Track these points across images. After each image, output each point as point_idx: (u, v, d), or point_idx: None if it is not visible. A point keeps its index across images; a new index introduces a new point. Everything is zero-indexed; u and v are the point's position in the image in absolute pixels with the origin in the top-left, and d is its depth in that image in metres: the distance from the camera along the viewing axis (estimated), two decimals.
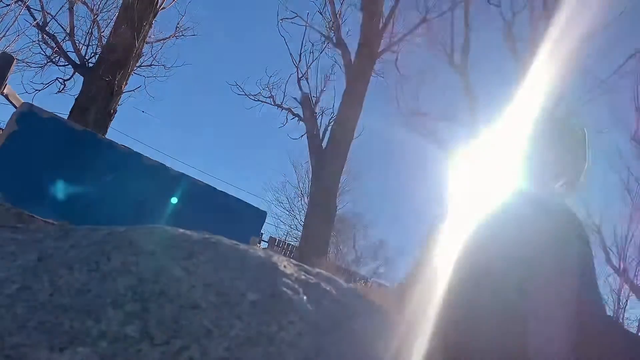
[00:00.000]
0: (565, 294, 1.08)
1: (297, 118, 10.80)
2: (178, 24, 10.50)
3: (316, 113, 10.50)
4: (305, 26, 11.20)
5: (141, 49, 7.51)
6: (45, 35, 7.79)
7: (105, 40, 7.30)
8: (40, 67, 8.08)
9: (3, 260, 0.68)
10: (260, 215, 2.82)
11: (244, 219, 2.74)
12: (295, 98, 10.94)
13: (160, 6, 7.74)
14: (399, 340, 0.73)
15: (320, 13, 11.27)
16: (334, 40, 10.99)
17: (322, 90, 11.33)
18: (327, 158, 9.12)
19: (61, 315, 0.56)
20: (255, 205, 2.81)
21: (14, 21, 7.34)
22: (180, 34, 10.60)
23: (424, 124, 12.23)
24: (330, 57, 11.96)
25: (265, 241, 18.38)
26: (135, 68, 7.81)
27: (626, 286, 12.63)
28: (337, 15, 11.00)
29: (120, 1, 7.74)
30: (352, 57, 10.28)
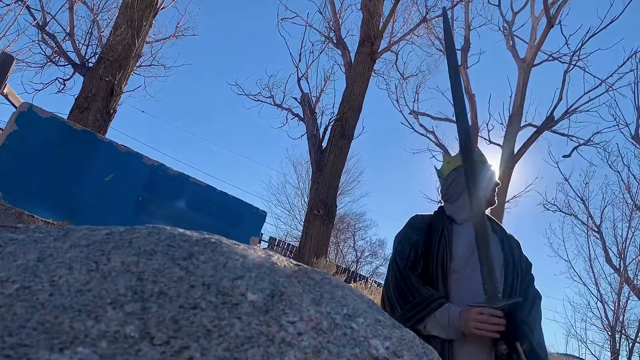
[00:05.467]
0: None
1: (297, 118, 10.80)
2: (178, 24, 10.53)
3: (316, 113, 10.50)
4: (305, 26, 11.21)
5: (141, 49, 7.51)
6: (45, 35, 7.79)
7: (105, 40, 7.29)
8: (40, 67, 8.08)
9: (3, 260, 0.68)
10: (260, 215, 2.82)
11: (244, 219, 2.74)
12: (295, 98, 10.95)
13: (160, 6, 7.75)
14: (399, 340, 0.73)
15: (320, 13, 11.28)
16: (334, 40, 10.99)
17: (322, 90, 11.34)
18: (327, 158, 9.11)
19: (61, 315, 0.56)
20: (255, 205, 2.81)
21: (14, 21, 7.35)
22: (180, 34, 10.63)
23: (423, 123, 12.27)
24: (330, 57, 12.00)
25: (265, 241, 18.40)
26: (135, 68, 7.81)
27: (626, 286, 12.64)
28: (337, 15, 11.01)
29: (120, 1, 7.74)
30: (352, 57, 10.29)
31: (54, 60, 7.88)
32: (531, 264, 1.77)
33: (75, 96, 6.70)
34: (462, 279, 1.57)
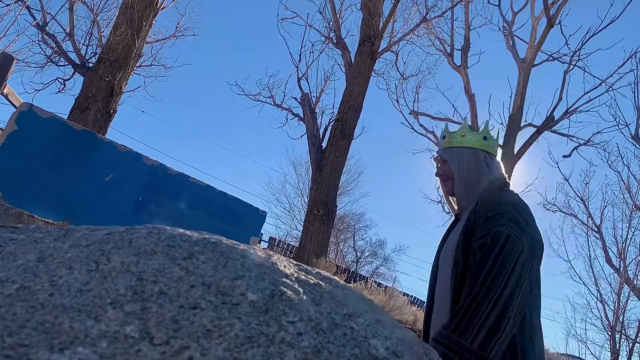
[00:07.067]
0: None
1: (297, 118, 10.81)
2: (178, 24, 10.53)
3: (316, 113, 10.50)
4: (305, 26, 11.21)
5: (141, 49, 7.51)
6: (45, 35, 7.79)
7: (105, 40, 7.29)
8: (40, 67, 8.07)
9: (3, 260, 0.68)
10: (260, 215, 2.82)
11: (244, 219, 2.73)
12: (295, 98, 10.95)
13: (160, 6, 7.75)
14: (399, 340, 0.73)
15: (320, 13, 11.28)
16: (334, 40, 10.99)
17: (322, 90, 11.34)
18: (327, 158, 9.11)
19: (61, 315, 0.56)
20: (255, 205, 2.81)
21: (14, 21, 7.34)
22: (180, 34, 10.63)
23: (423, 123, 12.27)
24: (330, 57, 11.99)
25: (265, 241, 18.40)
26: (135, 68, 7.81)
27: (626, 286, 12.64)
28: (337, 15, 11.01)
29: (120, 1, 7.74)
30: (352, 57, 10.29)
31: (54, 60, 7.88)
32: (476, 251, 1.28)
33: (76, 96, 6.70)
34: (433, 275, 1.53)
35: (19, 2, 7.20)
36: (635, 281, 12.47)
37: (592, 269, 13.99)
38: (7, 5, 7.02)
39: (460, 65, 11.56)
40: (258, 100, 11.37)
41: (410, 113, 12.20)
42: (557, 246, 15.89)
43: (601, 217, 13.21)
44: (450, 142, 1.60)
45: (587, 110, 11.11)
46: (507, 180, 1.55)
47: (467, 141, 1.56)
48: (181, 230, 0.78)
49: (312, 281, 0.75)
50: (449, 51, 11.74)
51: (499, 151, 1.63)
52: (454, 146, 1.58)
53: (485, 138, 1.57)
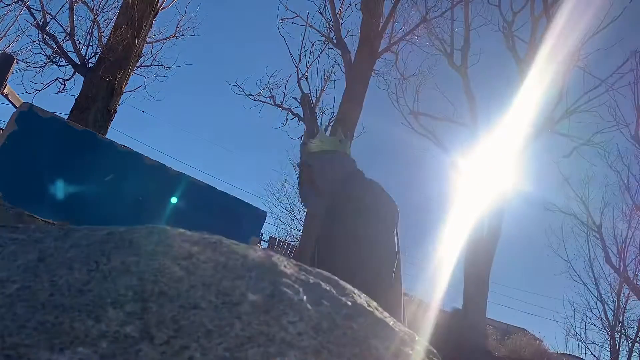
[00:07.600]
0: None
1: (297, 118, 10.81)
2: (178, 24, 10.51)
3: (316, 113, 10.50)
4: (305, 26, 11.21)
5: (141, 49, 7.51)
6: (45, 35, 7.78)
7: (105, 40, 7.29)
8: (40, 67, 8.06)
9: (3, 260, 0.68)
10: (260, 215, 2.82)
11: (244, 219, 2.73)
12: (295, 98, 10.95)
13: (160, 6, 7.75)
14: (400, 340, 0.73)
15: (320, 13, 11.27)
16: (334, 40, 10.99)
17: (322, 90, 11.34)
18: None
19: (61, 315, 0.56)
20: (255, 205, 2.81)
21: (14, 21, 7.35)
22: (180, 34, 10.61)
23: (423, 123, 12.27)
24: (330, 57, 11.97)
25: (265, 241, 18.37)
26: (135, 68, 7.81)
27: (626, 286, 12.64)
28: (337, 15, 11.00)
29: (120, 1, 7.74)
30: (352, 57, 10.28)
31: (54, 60, 7.87)
32: None
33: (76, 96, 6.70)
34: None
35: (19, 2, 7.20)
36: (635, 281, 12.48)
37: (592, 269, 13.98)
38: (8, 5, 7.03)
39: (460, 65, 11.56)
40: (258, 100, 11.36)
41: (410, 113, 12.20)
42: (557, 246, 15.85)
43: (601, 217, 13.21)
44: (311, 148, 1.90)
45: (587, 110, 11.11)
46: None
47: (326, 145, 1.89)
48: (181, 230, 0.78)
49: (312, 281, 0.75)
50: (448, 51, 11.75)
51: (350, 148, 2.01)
52: (315, 151, 1.90)
53: (340, 141, 1.93)
